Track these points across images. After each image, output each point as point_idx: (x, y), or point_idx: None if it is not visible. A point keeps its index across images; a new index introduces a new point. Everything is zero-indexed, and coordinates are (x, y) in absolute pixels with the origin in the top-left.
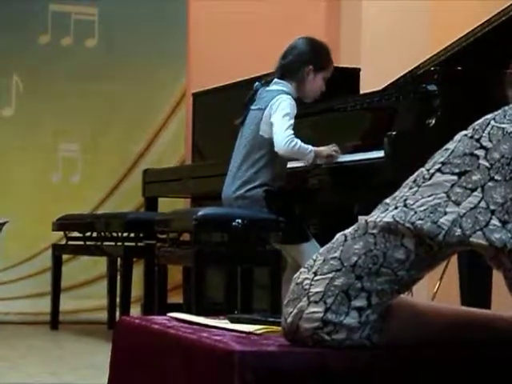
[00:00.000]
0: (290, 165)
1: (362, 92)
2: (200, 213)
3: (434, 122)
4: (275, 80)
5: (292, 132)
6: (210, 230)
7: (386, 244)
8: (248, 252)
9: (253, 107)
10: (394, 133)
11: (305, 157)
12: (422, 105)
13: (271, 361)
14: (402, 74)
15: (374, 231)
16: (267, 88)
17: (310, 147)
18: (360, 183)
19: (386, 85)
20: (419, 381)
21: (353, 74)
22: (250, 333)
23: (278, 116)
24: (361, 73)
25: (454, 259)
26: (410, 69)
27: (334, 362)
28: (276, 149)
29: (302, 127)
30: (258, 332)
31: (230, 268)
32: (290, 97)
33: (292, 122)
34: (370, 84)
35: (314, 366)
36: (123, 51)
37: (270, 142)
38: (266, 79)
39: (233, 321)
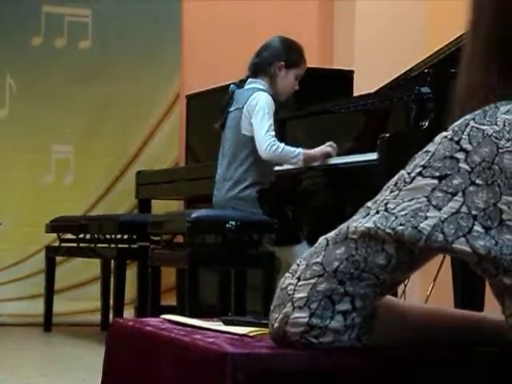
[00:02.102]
0: (283, 166)
1: (355, 94)
2: (193, 215)
3: (427, 124)
4: (249, 80)
5: (273, 134)
6: (204, 232)
7: (367, 249)
8: (241, 254)
9: (231, 109)
10: (387, 135)
11: (291, 160)
12: (416, 107)
13: (264, 363)
14: (395, 77)
15: (355, 236)
16: (243, 88)
17: (296, 150)
18: (353, 185)
19: (379, 87)
20: (411, 382)
21: (346, 76)
22: (243, 335)
23: (256, 118)
24: (354, 75)
25: (448, 261)
26: (403, 71)
27: (327, 364)
28: (259, 154)
29: (294, 129)
30: (252, 334)
31: (224, 270)
32: (266, 93)
33: (271, 121)
34: (363, 86)
35: (307, 368)
36: (117, 53)
37: (253, 140)
38: (240, 80)
39: (226, 323)
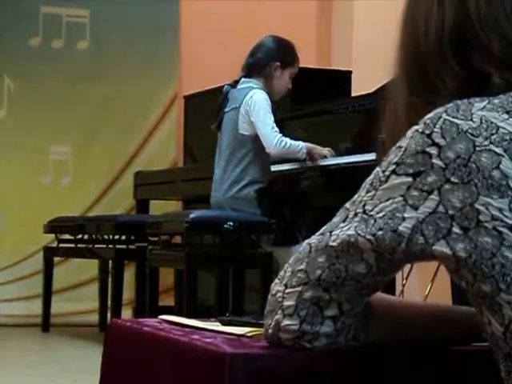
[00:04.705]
0: (282, 167)
1: (353, 94)
2: (191, 215)
3: None
4: (243, 80)
5: (277, 130)
6: (202, 233)
7: (347, 257)
8: (239, 254)
9: (226, 109)
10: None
11: (296, 154)
12: None
13: (262, 363)
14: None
15: (335, 244)
16: (237, 88)
17: (299, 143)
18: (351, 186)
19: (377, 87)
20: (410, 380)
21: (344, 77)
22: (241, 335)
23: (258, 116)
24: (352, 75)
25: None
26: None
27: (325, 364)
28: (267, 150)
29: (293, 129)
30: (249, 334)
31: (222, 270)
32: (262, 91)
33: (272, 117)
34: (361, 86)
35: (305, 368)
36: (115, 53)
37: (251, 139)
38: (234, 81)
39: (224, 323)
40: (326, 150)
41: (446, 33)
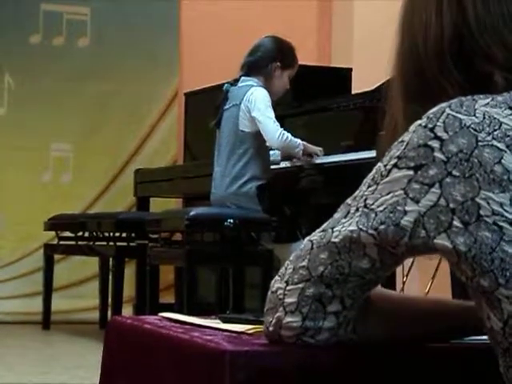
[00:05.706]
0: (282, 164)
1: (353, 92)
2: (192, 213)
3: None
4: (243, 78)
5: (278, 124)
6: (202, 230)
7: (350, 254)
8: (240, 252)
9: (226, 107)
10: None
11: (294, 150)
12: None
13: (263, 360)
14: None
15: (336, 240)
16: (237, 86)
17: (298, 140)
18: (352, 183)
19: (377, 85)
20: (410, 377)
21: (344, 74)
22: (241, 332)
23: (259, 111)
24: (352, 73)
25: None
26: None
27: (326, 360)
28: (269, 143)
29: (293, 127)
30: (250, 332)
31: (222, 268)
32: (262, 88)
33: (273, 112)
34: (361, 84)
35: (306, 365)
36: (115, 51)
37: (251, 136)
38: (234, 79)
39: (224, 320)
40: (316, 148)
41: (445, 40)
